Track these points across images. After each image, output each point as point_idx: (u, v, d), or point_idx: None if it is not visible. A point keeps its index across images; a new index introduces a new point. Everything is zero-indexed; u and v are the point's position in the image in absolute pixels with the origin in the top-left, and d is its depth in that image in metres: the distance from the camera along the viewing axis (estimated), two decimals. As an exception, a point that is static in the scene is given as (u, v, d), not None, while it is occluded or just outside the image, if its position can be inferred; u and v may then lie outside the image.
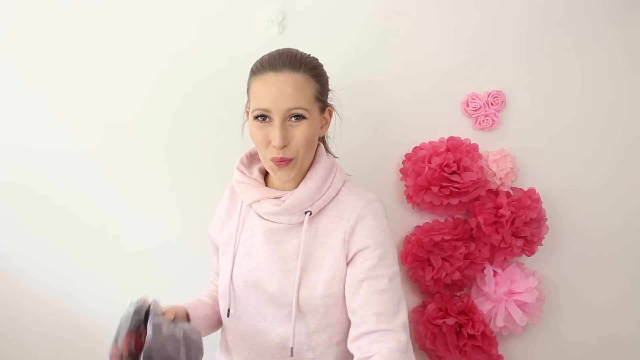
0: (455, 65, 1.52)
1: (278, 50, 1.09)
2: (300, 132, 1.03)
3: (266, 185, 1.17)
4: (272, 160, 1.04)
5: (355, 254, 1.06)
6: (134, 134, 1.42)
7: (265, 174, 1.19)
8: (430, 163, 1.43)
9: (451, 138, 1.49)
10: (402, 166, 1.51)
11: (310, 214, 1.08)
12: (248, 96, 1.09)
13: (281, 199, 1.09)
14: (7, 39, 1.37)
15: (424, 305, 1.53)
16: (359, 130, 1.50)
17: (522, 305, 1.49)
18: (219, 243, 1.21)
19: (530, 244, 1.50)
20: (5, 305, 1.42)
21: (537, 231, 1.50)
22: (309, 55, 1.10)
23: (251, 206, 1.13)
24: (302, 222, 1.09)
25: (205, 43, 1.42)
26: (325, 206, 1.10)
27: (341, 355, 1.10)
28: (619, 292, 1.66)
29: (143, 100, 1.42)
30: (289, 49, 1.09)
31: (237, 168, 1.18)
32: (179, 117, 1.43)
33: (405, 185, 1.49)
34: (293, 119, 1.03)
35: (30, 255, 1.42)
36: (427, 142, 1.50)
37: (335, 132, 1.49)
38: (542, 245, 1.54)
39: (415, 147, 1.50)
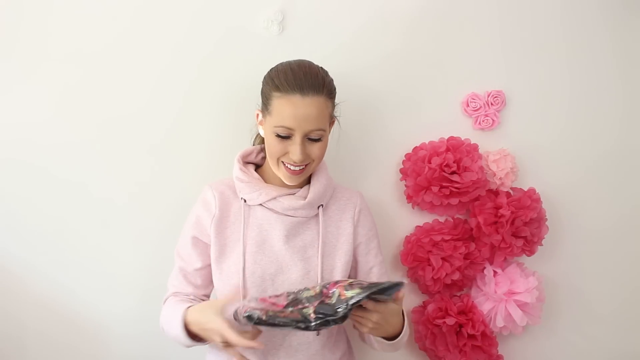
0: (455, 65, 1.52)
1: (301, 68, 1.14)
2: (317, 149, 1.15)
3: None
4: (287, 168, 1.15)
5: (359, 244, 1.26)
6: (134, 133, 1.42)
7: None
8: (430, 163, 1.43)
9: (451, 138, 1.49)
10: (402, 166, 1.51)
11: (323, 206, 1.23)
12: (268, 106, 1.15)
13: (297, 195, 1.21)
14: (6, 35, 1.37)
15: (424, 305, 1.53)
16: (359, 131, 1.49)
17: (522, 305, 1.49)
18: (212, 244, 1.20)
19: (530, 244, 1.50)
20: (6, 303, 1.42)
21: (537, 231, 1.50)
22: (326, 72, 1.18)
23: (261, 204, 1.20)
24: (315, 215, 1.22)
25: (204, 43, 1.41)
26: (328, 201, 1.25)
27: (346, 337, 1.32)
28: (619, 292, 1.66)
29: (141, 99, 1.41)
30: (309, 66, 1.16)
31: (240, 169, 1.23)
32: (178, 116, 1.43)
33: (405, 185, 1.49)
34: (312, 138, 1.14)
35: (31, 252, 1.42)
36: (427, 142, 1.50)
37: (334, 132, 1.49)
38: (542, 245, 1.54)
39: (415, 147, 1.50)
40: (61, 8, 1.37)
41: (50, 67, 1.38)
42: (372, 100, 1.50)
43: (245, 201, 1.21)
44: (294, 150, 1.12)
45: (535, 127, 1.57)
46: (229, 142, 1.40)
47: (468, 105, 1.52)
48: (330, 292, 1.05)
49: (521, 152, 1.55)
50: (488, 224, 1.46)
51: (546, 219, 1.52)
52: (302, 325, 1.01)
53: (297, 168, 1.15)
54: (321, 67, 1.18)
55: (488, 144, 1.53)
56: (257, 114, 1.21)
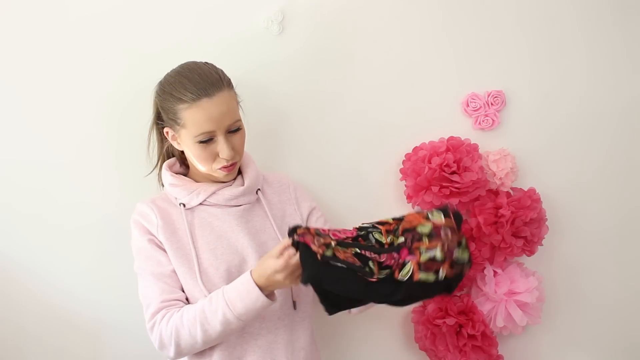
0: (455, 65, 1.52)
1: (193, 72, 1.16)
2: (239, 139, 1.18)
3: None
4: (222, 168, 1.17)
5: (309, 215, 1.30)
6: (132, 133, 1.42)
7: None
8: (430, 163, 1.43)
9: (451, 138, 1.49)
10: (402, 166, 1.51)
11: (260, 191, 1.27)
12: (177, 120, 1.15)
13: (234, 185, 1.24)
14: None
15: (424, 305, 1.53)
16: (359, 130, 1.49)
17: (522, 305, 1.49)
18: (167, 250, 1.18)
19: (530, 244, 1.50)
20: (3, 306, 1.42)
21: (537, 231, 1.50)
22: (214, 66, 1.19)
23: (202, 203, 1.21)
24: (256, 201, 1.25)
25: (204, 43, 1.41)
26: (262, 186, 1.29)
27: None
28: (619, 292, 1.66)
29: (140, 100, 1.41)
30: (199, 67, 1.17)
31: (171, 175, 1.24)
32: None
33: (405, 185, 1.49)
34: (232, 130, 1.16)
35: (29, 254, 1.41)
36: (427, 142, 1.50)
37: (335, 131, 1.49)
38: (542, 245, 1.54)
39: (415, 147, 1.50)
40: (50, 9, 1.37)
41: (35, 63, 1.37)
42: (372, 100, 1.50)
43: (184, 206, 1.21)
44: (223, 149, 1.15)
45: (535, 127, 1.57)
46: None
47: (468, 105, 1.52)
48: (400, 261, 1.03)
49: (521, 152, 1.55)
50: (488, 224, 1.46)
51: (546, 219, 1.52)
52: (363, 276, 1.01)
53: (230, 164, 1.18)
54: (206, 62, 1.19)
55: (488, 144, 1.53)
56: (167, 132, 1.21)
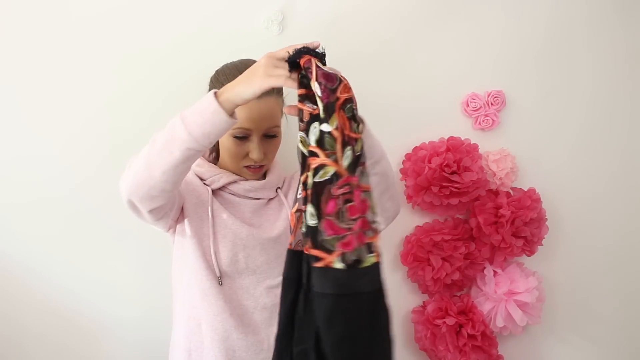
0: (455, 65, 1.52)
1: None
2: (273, 145, 1.20)
3: None
4: (248, 168, 1.19)
5: None
6: (132, 133, 1.42)
7: None
8: (430, 163, 1.43)
9: (451, 138, 1.49)
10: (402, 166, 1.51)
11: (280, 188, 1.27)
12: None
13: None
14: None
15: (424, 305, 1.53)
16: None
17: (522, 305, 1.49)
18: (186, 198, 1.17)
19: (530, 244, 1.50)
20: (6, 305, 1.42)
21: (537, 231, 1.50)
22: None
23: (222, 189, 1.20)
24: (274, 198, 1.25)
25: (205, 43, 1.41)
26: (283, 187, 1.29)
27: None
28: (619, 292, 1.66)
29: (139, 100, 1.41)
30: None
31: (199, 158, 1.23)
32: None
33: (405, 185, 1.49)
34: (269, 134, 1.17)
35: (30, 253, 1.41)
36: (427, 142, 1.50)
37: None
38: (542, 245, 1.54)
39: (415, 147, 1.50)
40: (54, 8, 1.37)
41: (36, 64, 1.37)
42: (372, 100, 1.49)
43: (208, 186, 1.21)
44: (254, 149, 1.16)
45: (535, 127, 1.57)
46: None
47: (468, 105, 1.52)
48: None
49: (521, 152, 1.55)
50: (488, 224, 1.46)
51: (546, 219, 1.52)
52: None
53: (258, 165, 1.19)
54: None
55: (488, 144, 1.53)
56: None
